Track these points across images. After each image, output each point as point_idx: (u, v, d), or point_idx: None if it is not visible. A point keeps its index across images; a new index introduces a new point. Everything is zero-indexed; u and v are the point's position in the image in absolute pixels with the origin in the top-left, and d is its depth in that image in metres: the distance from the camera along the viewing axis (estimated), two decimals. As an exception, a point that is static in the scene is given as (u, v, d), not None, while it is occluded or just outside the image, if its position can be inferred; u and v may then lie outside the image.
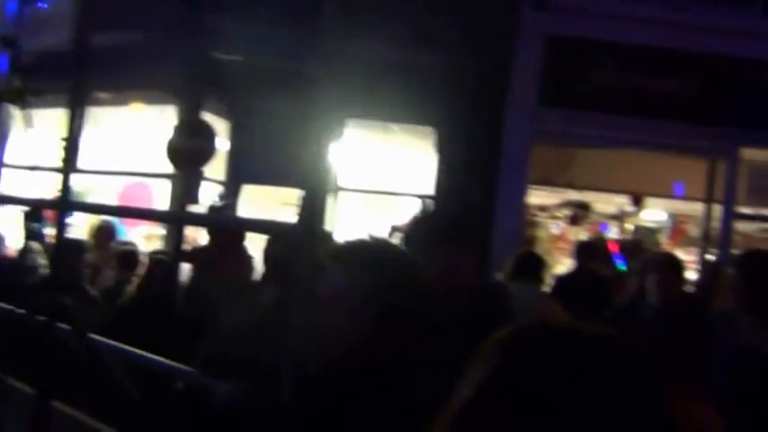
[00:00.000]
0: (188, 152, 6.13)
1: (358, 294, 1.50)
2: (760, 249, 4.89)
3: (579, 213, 9.03)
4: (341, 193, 7.92)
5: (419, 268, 1.60)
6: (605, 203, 9.26)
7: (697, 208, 8.55)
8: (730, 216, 8.10)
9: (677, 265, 4.11)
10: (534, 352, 0.62)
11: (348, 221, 7.53)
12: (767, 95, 7.91)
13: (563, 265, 8.16)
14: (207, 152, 6.20)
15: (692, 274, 7.87)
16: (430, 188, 7.80)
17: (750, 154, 8.19)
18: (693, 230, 9.24)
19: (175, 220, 5.60)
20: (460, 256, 2.09)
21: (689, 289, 6.10)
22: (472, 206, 7.28)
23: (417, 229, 2.23)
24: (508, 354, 0.63)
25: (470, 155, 7.42)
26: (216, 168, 7.41)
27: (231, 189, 7.72)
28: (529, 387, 0.59)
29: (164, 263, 4.69)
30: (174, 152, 6.21)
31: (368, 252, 1.62)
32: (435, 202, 7.63)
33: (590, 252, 6.69)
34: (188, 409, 2.15)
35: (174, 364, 2.43)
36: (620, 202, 9.17)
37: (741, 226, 8.56)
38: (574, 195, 9.06)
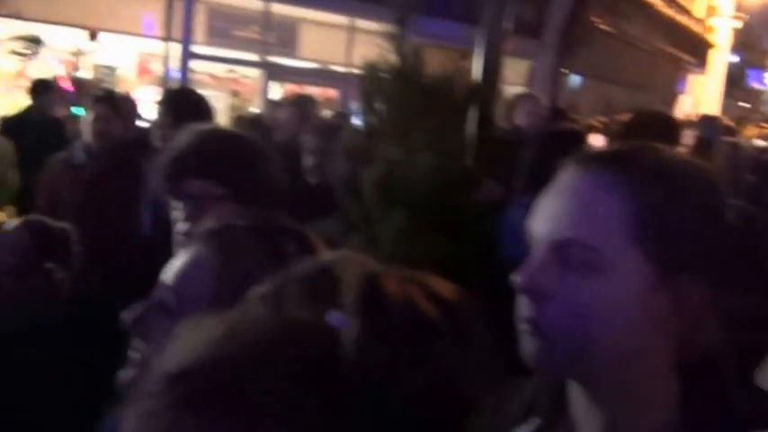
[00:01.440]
0: None
1: None
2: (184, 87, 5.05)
3: (31, 48, 8.26)
4: None
5: None
6: (62, 38, 8.58)
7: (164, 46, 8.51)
8: (188, 56, 8.28)
9: (112, 103, 3.94)
10: None
11: None
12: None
13: (23, 103, 7.48)
14: None
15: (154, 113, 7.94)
16: None
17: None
18: (160, 69, 9.25)
19: None
20: None
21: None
22: None
23: None
24: None
25: None
26: None
27: None
28: None
29: None
30: None
31: None
32: None
33: (44, 90, 6.31)
34: None
35: None
36: (78, 36, 8.60)
37: (208, 66, 8.82)
38: (24, 27, 8.22)
